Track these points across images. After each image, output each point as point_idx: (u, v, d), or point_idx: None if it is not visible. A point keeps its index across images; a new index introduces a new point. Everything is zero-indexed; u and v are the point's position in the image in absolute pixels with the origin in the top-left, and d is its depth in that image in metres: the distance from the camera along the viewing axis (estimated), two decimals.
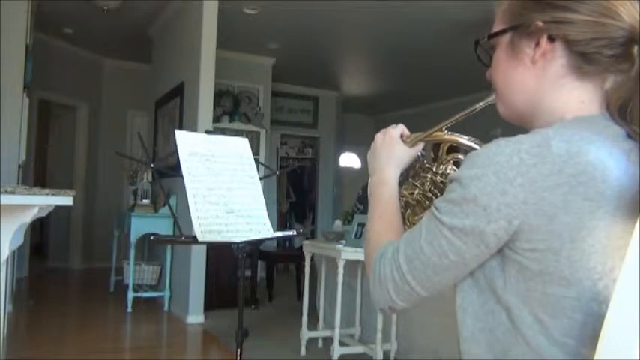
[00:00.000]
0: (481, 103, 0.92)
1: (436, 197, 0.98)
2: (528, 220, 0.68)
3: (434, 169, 1.01)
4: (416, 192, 1.02)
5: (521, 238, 0.69)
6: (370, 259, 0.85)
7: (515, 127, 0.87)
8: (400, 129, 1.00)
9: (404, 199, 1.01)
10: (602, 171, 0.68)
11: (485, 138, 0.92)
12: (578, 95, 0.77)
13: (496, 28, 0.84)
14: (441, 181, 0.99)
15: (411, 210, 1.02)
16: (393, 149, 0.98)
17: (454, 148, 0.98)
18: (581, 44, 0.75)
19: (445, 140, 0.97)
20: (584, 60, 0.76)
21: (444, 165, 1.00)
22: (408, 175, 1.04)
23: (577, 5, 0.74)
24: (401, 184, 0.99)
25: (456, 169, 0.97)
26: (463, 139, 0.95)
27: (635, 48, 0.74)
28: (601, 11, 0.74)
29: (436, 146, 1.02)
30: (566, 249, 0.68)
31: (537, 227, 0.68)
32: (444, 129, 0.96)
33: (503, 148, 0.70)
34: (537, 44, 0.77)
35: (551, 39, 0.76)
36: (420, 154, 1.01)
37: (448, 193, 0.74)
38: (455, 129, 0.96)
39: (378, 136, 1.01)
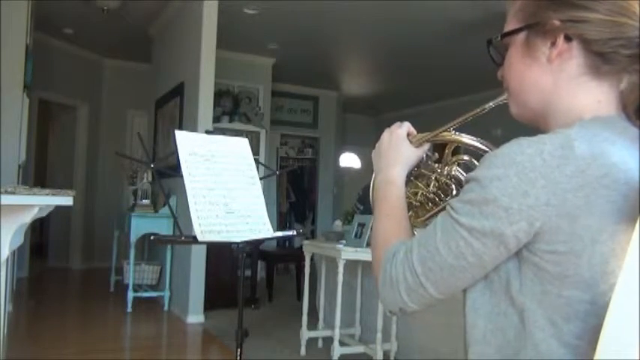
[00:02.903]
0: (491, 103, 0.89)
1: (440, 199, 0.97)
2: (550, 222, 0.66)
3: (438, 170, 0.99)
4: (419, 193, 1.00)
5: (542, 240, 0.68)
6: (379, 259, 0.83)
7: (518, 127, 0.86)
8: (406, 127, 0.99)
9: (407, 200, 0.98)
10: (626, 173, 0.67)
11: (486, 138, 0.91)
12: (595, 95, 0.76)
13: (509, 26, 0.82)
14: (445, 183, 0.97)
15: (414, 212, 1.00)
16: (400, 148, 0.96)
17: (459, 150, 0.97)
18: (599, 44, 0.74)
19: (452, 141, 0.95)
20: (602, 60, 0.74)
21: (448, 166, 0.98)
22: (412, 176, 1.01)
23: (594, 4, 0.73)
24: (405, 184, 0.97)
25: (460, 170, 0.96)
26: (470, 140, 0.92)
27: None
28: (618, 10, 0.73)
29: (439, 147, 1.00)
30: (587, 252, 0.66)
31: (559, 229, 0.66)
32: (451, 129, 0.94)
33: (525, 148, 0.68)
34: (554, 43, 0.76)
35: (568, 38, 0.75)
36: (425, 154, 0.99)
37: (466, 193, 0.72)
38: (457, 129, 0.95)
39: (385, 135, 0.99)
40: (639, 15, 0.73)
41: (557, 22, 0.75)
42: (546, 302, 0.69)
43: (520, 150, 0.68)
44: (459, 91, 7.55)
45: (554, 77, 0.77)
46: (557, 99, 0.78)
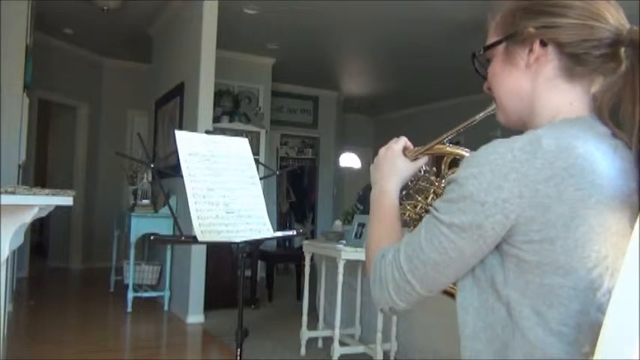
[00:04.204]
0: (481, 114, 0.95)
1: None
2: (524, 213, 0.71)
3: (436, 184, 1.03)
4: (419, 207, 1.04)
5: (518, 231, 0.72)
6: (370, 262, 0.88)
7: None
8: (402, 142, 1.03)
9: (407, 213, 1.03)
10: (592, 163, 0.72)
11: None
12: (568, 98, 0.82)
13: (490, 40, 0.88)
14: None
15: (414, 225, 1.04)
16: (395, 162, 1.01)
17: (456, 162, 1.00)
18: (571, 46, 0.79)
19: (446, 153, 1.00)
20: (575, 61, 0.80)
21: (445, 179, 1.02)
22: (411, 190, 1.05)
23: (565, 10, 0.79)
24: (405, 199, 1.02)
25: None
26: (464, 152, 0.97)
27: (622, 49, 0.79)
28: (588, 14, 0.78)
29: (438, 160, 1.04)
30: (561, 238, 0.70)
31: (533, 219, 0.71)
32: (445, 141, 0.99)
33: (496, 147, 0.74)
34: (531, 50, 0.82)
35: (543, 43, 0.81)
36: (423, 169, 1.04)
37: (446, 194, 0.77)
38: (452, 138, 0.98)
39: (381, 150, 1.04)
40: (607, 18, 0.78)
41: (532, 30, 0.81)
42: (530, 292, 0.73)
43: (493, 149, 0.74)
44: (459, 92, 7.54)
45: (533, 81, 0.83)
46: (536, 101, 0.83)
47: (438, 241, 0.76)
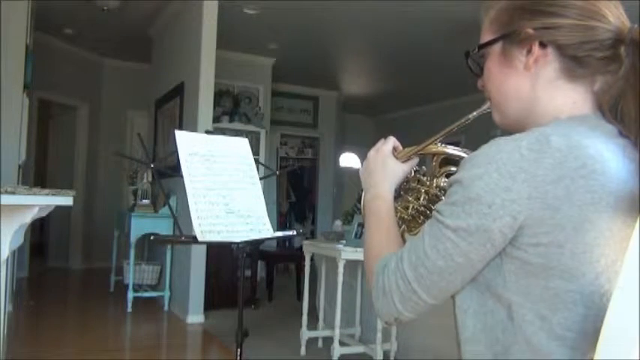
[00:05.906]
0: (475, 113, 0.92)
1: (430, 211, 0.97)
2: (533, 215, 0.68)
3: (427, 183, 0.99)
4: (410, 207, 1.00)
5: (526, 233, 0.69)
6: (371, 272, 0.84)
7: None
8: (391, 143, 0.99)
9: (398, 214, 0.99)
10: (602, 164, 0.69)
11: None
12: (571, 97, 0.79)
13: (484, 37, 0.85)
14: (435, 195, 0.98)
15: (406, 225, 1.01)
16: (386, 165, 0.97)
17: (447, 161, 0.97)
18: (572, 48, 0.76)
19: (437, 153, 0.96)
20: (577, 63, 0.77)
21: (437, 178, 0.99)
22: (402, 190, 1.02)
23: (565, 10, 0.76)
24: (395, 199, 0.98)
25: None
26: (456, 151, 0.94)
27: (623, 48, 0.76)
28: (588, 14, 0.75)
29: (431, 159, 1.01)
30: (570, 242, 0.68)
31: (542, 221, 0.68)
32: (438, 141, 0.95)
33: (502, 146, 0.70)
34: (529, 51, 0.78)
35: (543, 45, 0.77)
36: (415, 168, 1.01)
37: (450, 196, 0.74)
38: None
39: (371, 153, 1.00)
40: (608, 17, 0.75)
41: (530, 31, 0.77)
42: (533, 295, 0.70)
43: (498, 148, 0.70)
44: (460, 92, 7.54)
45: (532, 83, 0.80)
46: (536, 103, 0.80)
47: (444, 247, 0.72)
